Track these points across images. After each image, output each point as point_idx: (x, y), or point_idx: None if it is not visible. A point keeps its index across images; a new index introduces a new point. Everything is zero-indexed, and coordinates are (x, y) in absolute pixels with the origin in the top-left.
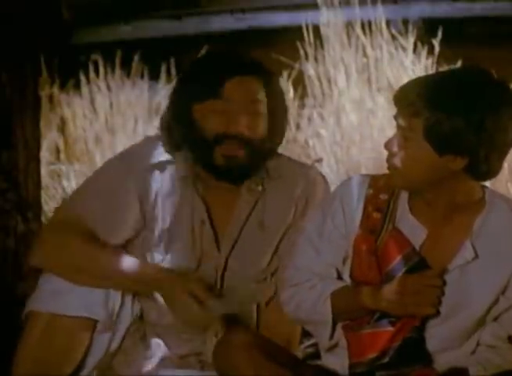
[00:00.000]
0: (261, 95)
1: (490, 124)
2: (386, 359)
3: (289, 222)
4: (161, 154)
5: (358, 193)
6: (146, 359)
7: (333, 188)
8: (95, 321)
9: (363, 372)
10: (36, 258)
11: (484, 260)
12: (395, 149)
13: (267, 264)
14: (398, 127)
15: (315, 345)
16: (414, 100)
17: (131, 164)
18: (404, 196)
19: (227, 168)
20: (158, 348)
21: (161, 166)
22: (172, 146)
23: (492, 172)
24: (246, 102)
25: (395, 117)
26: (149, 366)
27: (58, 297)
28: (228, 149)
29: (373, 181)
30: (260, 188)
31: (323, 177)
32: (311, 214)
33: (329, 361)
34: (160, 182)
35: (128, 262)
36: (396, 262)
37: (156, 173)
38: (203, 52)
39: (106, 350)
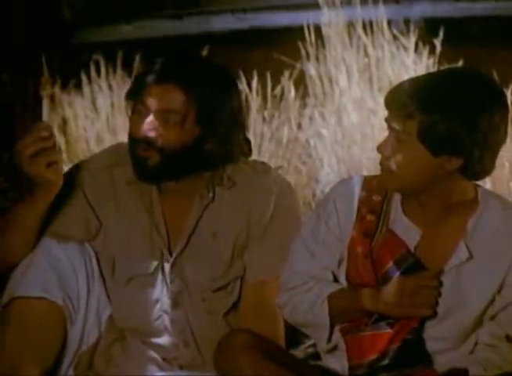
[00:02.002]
0: (179, 105)
1: (484, 124)
2: (386, 361)
3: (242, 230)
4: (114, 160)
5: (351, 195)
6: (126, 360)
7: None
8: (58, 306)
9: (364, 374)
10: None
11: (479, 260)
12: (389, 152)
13: (222, 272)
14: (391, 129)
15: (315, 345)
16: (406, 103)
17: (88, 164)
18: (397, 197)
19: (140, 167)
20: (139, 349)
21: (112, 171)
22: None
23: (485, 172)
24: (158, 110)
25: (387, 120)
26: (131, 367)
27: (17, 283)
28: (141, 149)
29: (366, 182)
30: (211, 195)
31: (281, 183)
32: (307, 217)
33: (330, 362)
34: (111, 185)
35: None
36: (391, 263)
37: (107, 177)
38: (204, 52)
39: (78, 344)
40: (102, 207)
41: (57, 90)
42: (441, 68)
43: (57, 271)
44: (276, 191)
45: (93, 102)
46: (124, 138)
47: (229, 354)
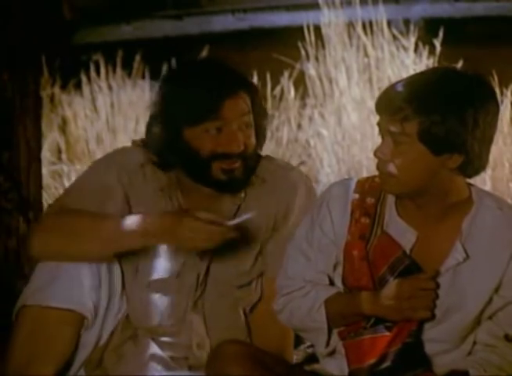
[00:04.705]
0: (249, 108)
1: (481, 120)
2: (385, 364)
3: (269, 226)
4: (145, 159)
5: (344, 198)
6: (136, 357)
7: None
8: (81, 316)
9: None
10: (37, 246)
11: (476, 260)
12: (388, 156)
13: (249, 267)
14: (388, 133)
15: None
16: (402, 106)
17: (118, 166)
18: (391, 199)
19: (227, 180)
20: (149, 347)
21: (144, 171)
22: (163, 165)
23: (482, 168)
24: (240, 119)
25: (381, 125)
26: (140, 365)
27: (43, 289)
28: (228, 163)
29: (359, 185)
30: (242, 195)
31: (305, 179)
32: (302, 221)
33: (328, 365)
34: (144, 187)
35: (130, 220)
36: (387, 266)
37: (140, 177)
38: (204, 52)
39: (93, 346)
40: (136, 208)
41: (57, 90)
42: (425, 69)
43: (84, 279)
44: (301, 187)
45: (93, 102)
46: (123, 138)
47: (221, 364)
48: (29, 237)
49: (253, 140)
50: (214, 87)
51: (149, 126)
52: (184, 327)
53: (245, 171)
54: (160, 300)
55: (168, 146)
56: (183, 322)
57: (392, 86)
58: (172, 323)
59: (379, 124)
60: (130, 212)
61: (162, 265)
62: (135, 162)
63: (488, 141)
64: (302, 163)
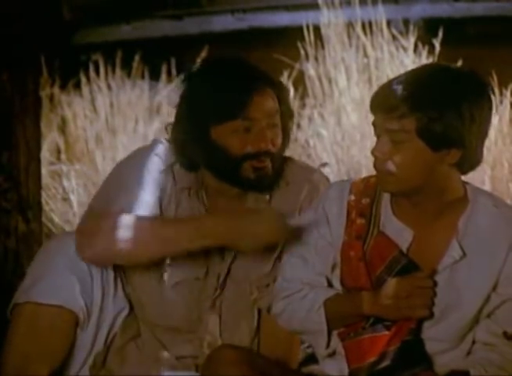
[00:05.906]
0: (277, 106)
1: (477, 114)
2: (385, 363)
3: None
4: (170, 158)
5: (340, 199)
6: (140, 358)
7: None
8: (73, 314)
9: None
10: (93, 248)
11: (473, 258)
12: (386, 154)
13: (269, 269)
14: (385, 131)
15: None
16: (397, 104)
17: (148, 166)
18: (386, 199)
19: (256, 179)
20: (153, 347)
21: (172, 171)
22: (188, 165)
23: (477, 163)
24: (268, 117)
25: (375, 123)
26: (144, 366)
27: (32, 286)
28: (258, 162)
29: (354, 186)
30: (267, 197)
31: (327, 181)
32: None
33: (328, 366)
34: (171, 187)
35: (190, 221)
36: (385, 266)
37: (169, 177)
38: (203, 52)
39: (90, 347)
40: (167, 208)
41: (56, 90)
42: (417, 66)
43: (75, 276)
44: (322, 189)
45: (92, 102)
46: (122, 138)
47: (216, 368)
48: (81, 242)
49: (280, 140)
50: (241, 84)
51: (174, 126)
52: (199, 326)
53: (274, 169)
54: (182, 300)
55: (195, 146)
56: (200, 321)
57: (386, 85)
58: (190, 322)
59: (374, 123)
60: (161, 213)
61: (188, 266)
62: (161, 162)
63: (483, 136)
64: (324, 165)
